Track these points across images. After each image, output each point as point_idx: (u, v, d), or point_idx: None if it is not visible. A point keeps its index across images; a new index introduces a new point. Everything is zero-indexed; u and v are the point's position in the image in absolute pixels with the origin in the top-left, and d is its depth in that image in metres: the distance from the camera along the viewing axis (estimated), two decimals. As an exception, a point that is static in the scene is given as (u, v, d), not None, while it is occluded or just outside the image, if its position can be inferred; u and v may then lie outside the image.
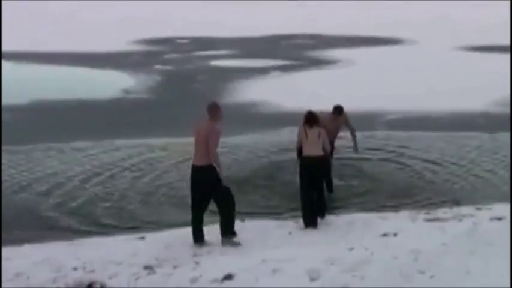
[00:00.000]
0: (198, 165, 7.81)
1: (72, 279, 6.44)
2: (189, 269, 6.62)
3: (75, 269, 6.82)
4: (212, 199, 7.94)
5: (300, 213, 8.75)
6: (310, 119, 8.75)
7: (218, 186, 7.75)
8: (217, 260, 6.94)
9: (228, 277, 6.10)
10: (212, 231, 8.29)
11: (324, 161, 8.80)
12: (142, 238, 8.30)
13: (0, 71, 21.11)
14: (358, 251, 6.31)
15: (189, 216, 8.03)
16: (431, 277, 5.10)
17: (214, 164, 7.67)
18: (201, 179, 7.80)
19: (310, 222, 8.49)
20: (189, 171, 7.99)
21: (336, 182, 10.53)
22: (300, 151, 8.96)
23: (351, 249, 6.72)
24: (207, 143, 7.65)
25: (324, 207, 8.87)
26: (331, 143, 10.17)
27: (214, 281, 6.06)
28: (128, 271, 6.76)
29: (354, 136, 10.74)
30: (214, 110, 7.88)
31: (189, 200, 8.09)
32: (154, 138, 14.09)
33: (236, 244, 7.75)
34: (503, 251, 5.23)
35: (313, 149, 8.65)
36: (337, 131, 10.59)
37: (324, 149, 8.77)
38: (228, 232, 7.82)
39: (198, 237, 7.95)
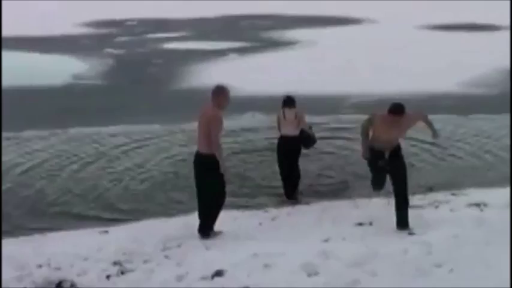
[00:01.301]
0: (201, 153, 7.28)
1: (39, 277, 6.11)
2: (172, 265, 6.30)
3: (40, 266, 6.44)
4: (197, 187, 7.46)
5: (267, 201, 9.07)
6: (288, 100, 9.15)
7: (211, 177, 7.22)
8: (202, 255, 6.57)
9: (219, 274, 5.77)
10: (181, 222, 8.05)
11: (298, 141, 9.19)
12: (106, 232, 7.95)
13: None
14: (357, 244, 5.98)
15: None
16: (451, 271, 4.72)
17: (217, 154, 7.10)
18: (201, 168, 7.31)
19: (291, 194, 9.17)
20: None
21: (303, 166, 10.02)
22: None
23: (327, 240, 6.60)
24: (209, 130, 7.06)
25: (293, 192, 9.23)
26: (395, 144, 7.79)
27: (203, 278, 5.75)
28: (96, 267, 6.44)
29: (429, 123, 8.09)
30: (217, 94, 7.22)
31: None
32: (110, 126, 13.60)
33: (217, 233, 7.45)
34: None
35: (289, 129, 9.12)
36: (402, 134, 7.94)
37: (302, 128, 9.19)
38: (206, 231, 7.41)
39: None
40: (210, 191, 7.33)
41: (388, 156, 7.52)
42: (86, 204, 9.47)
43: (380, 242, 5.82)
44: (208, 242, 7.21)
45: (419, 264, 4.97)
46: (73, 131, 13.25)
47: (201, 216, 7.44)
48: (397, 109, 7.37)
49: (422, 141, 11.56)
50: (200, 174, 7.34)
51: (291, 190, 9.27)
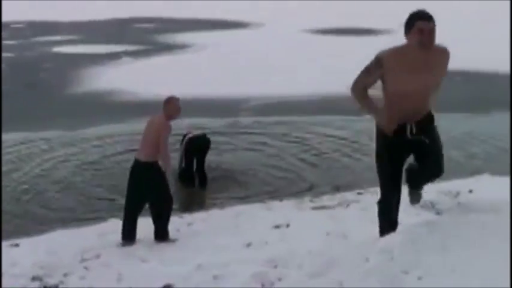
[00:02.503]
0: (142, 161, 7.35)
1: None
2: (112, 280, 6.10)
3: None
4: (147, 201, 7.51)
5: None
6: None
7: (159, 187, 7.33)
8: (140, 267, 6.41)
9: (168, 288, 5.60)
10: (94, 231, 7.95)
11: (208, 140, 10.41)
12: (17, 245, 7.62)
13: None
14: (302, 249, 5.89)
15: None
16: (419, 278, 4.44)
17: (161, 163, 7.25)
18: (144, 177, 7.35)
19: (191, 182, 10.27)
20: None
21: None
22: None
23: (249, 244, 6.68)
24: (157, 138, 7.19)
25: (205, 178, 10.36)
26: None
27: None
28: (15, 283, 6.17)
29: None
30: (165, 104, 7.38)
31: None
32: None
33: (172, 241, 7.47)
34: (476, 244, 4.68)
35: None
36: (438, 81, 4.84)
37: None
38: (164, 237, 7.46)
39: (131, 237, 7.51)
40: (161, 199, 7.44)
41: (414, 130, 4.73)
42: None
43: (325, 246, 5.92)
44: (131, 250, 7.15)
45: (387, 272, 4.60)
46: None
47: (159, 228, 7.47)
48: (426, 14, 4.54)
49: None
50: (145, 184, 7.38)
51: (203, 183, 10.29)
